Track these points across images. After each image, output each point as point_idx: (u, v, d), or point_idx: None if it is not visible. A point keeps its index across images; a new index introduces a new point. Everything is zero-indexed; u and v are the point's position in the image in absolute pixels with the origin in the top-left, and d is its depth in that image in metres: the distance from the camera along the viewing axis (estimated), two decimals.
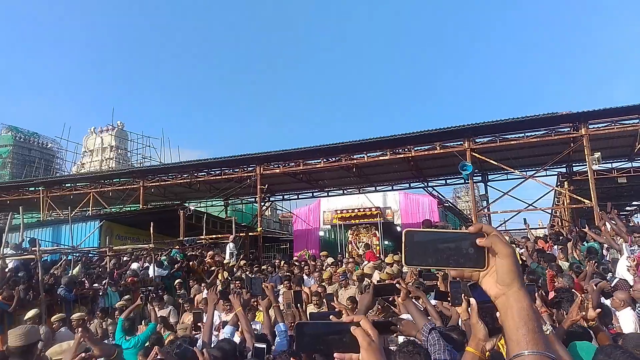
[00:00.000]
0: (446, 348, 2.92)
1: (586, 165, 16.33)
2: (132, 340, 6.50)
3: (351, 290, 9.20)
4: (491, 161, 17.06)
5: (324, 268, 11.64)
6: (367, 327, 1.13)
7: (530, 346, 0.98)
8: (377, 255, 13.79)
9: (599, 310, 3.62)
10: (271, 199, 25.98)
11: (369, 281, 9.42)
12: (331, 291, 8.95)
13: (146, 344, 5.95)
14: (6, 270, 11.32)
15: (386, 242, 17.87)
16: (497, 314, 1.16)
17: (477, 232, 1.08)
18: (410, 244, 1.10)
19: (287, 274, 10.94)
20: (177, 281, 12.15)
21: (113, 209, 23.33)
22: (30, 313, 8.04)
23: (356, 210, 18.12)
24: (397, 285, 3.30)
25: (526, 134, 16.84)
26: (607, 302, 5.31)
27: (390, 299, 4.40)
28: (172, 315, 9.21)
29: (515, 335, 1.01)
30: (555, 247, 10.33)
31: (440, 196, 22.37)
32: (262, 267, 13.43)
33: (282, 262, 14.37)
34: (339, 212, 18.50)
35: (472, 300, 1.47)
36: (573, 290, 5.93)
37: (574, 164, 19.79)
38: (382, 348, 1.14)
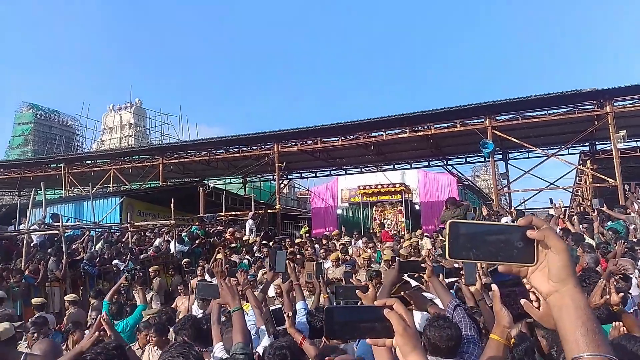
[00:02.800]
0: (472, 325, 2.88)
1: (610, 143, 15.96)
2: (120, 324, 5.89)
3: (361, 276, 8.38)
4: (512, 139, 16.78)
5: (336, 248, 11.15)
6: (401, 311, 1.09)
7: (591, 348, 0.92)
8: (393, 233, 13.58)
9: (621, 294, 3.52)
10: (289, 176, 26.01)
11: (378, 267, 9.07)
12: (339, 275, 8.35)
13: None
14: (31, 245, 11.54)
15: (406, 221, 17.78)
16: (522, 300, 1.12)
17: (528, 224, 1.02)
18: (455, 237, 1.04)
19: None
20: (184, 260, 11.88)
21: (133, 186, 23.56)
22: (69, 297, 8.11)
23: (379, 187, 17.89)
24: (422, 263, 3.26)
25: (549, 112, 16.50)
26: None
27: (415, 276, 4.36)
28: (155, 301, 8.61)
29: (574, 336, 0.94)
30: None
31: (459, 174, 22.19)
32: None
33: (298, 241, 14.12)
34: (361, 187, 18.33)
35: (495, 287, 1.41)
36: (597, 270, 5.84)
37: (597, 143, 19.41)
38: (417, 332, 1.10)
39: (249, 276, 5.45)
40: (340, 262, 9.37)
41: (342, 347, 3.52)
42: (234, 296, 2.93)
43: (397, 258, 9.34)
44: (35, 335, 5.27)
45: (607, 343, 0.94)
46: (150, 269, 10.51)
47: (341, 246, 11.15)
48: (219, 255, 10.80)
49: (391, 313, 1.08)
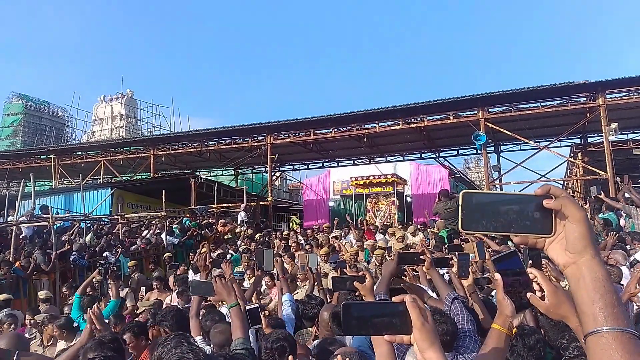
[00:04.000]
0: (469, 318, 2.84)
1: (601, 136, 15.99)
2: None
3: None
4: (505, 131, 16.78)
5: (328, 241, 10.88)
6: (421, 306, 1.07)
7: (610, 322, 0.87)
8: (374, 230, 13.19)
9: None
10: (281, 168, 25.94)
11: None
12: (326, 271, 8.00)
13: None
14: (20, 237, 11.40)
15: (399, 214, 17.77)
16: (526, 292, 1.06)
17: (545, 194, 0.97)
18: (468, 207, 0.99)
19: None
20: (165, 254, 11.38)
21: (124, 177, 23.40)
22: (42, 294, 7.71)
23: (371, 177, 17.80)
24: (421, 255, 3.23)
25: (541, 104, 16.51)
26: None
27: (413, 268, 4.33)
28: (129, 299, 8.11)
29: (591, 309, 0.89)
30: None
31: (451, 167, 22.20)
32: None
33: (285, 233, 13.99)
34: (354, 179, 18.23)
35: (498, 276, 1.37)
36: None
37: (588, 135, 19.48)
38: (435, 328, 1.08)
39: (236, 274, 5.47)
40: (328, 258, 8.86)
41: (338, 339, 3.49)
42: (230, 292, 2.91)
43: (391, 250, 9.34)
44: (13, 326, 5.25)
45: (627, 317, 0.90)
46: (129, 264, 10.25)
47: (333, 239, 10.98)
48: (204, 250, 10.43)
49: (413, 305, 1.05)
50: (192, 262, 9.95)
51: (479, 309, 3.20)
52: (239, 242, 12.24)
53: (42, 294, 7.72)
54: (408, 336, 1.06)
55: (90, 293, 6.80)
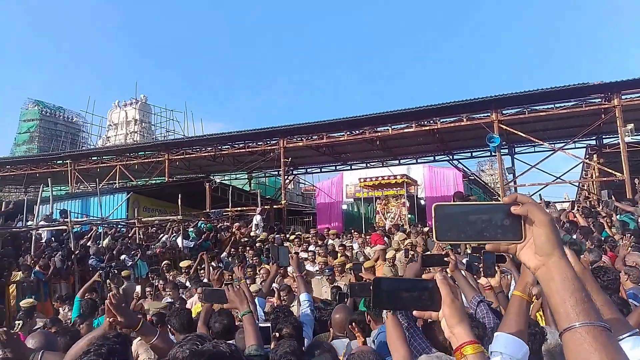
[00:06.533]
0: (496, 322, 2.84)
1: (616, 137, 15.84)
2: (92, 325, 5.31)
3: (340, 284, 7.36)
4: (519, 133, 16.73)
5: (334, 249, 10.52)
6: (449, 284, 1.12)
7: (582, 317, 0.92)
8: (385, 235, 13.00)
9: None
10: (294, 172, 26.03)
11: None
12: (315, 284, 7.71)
13: None
14: (40, 241, 11.59)
15: (409, 216, 17.74)
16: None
17: (512, 202, 1.02)
18: (440, 219, 1.05)
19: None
20: (164, 262, 10.55)
21: (139, 182, 23.61)
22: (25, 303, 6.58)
23: (380, 178, 17.76)
24: (445, 256, 3.23)
25: (555, 105, 16.39)
26: None
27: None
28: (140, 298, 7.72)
29: (563, 308, 0.94)
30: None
31: (465, 169, 22.14)
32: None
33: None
34: (362, 180, 18.24)
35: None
36: (604, 262, 5.82)
37: (603, 136, 19.30)
38: (464, 306, 1.12)
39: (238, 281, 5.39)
40: (324, 267, 8.27)
41: (331, 342, 3.52)
42: (242, 300, 2.90)
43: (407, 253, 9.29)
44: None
45: (597, 310, 0.94)
46: (122, 274, 9.69)
47: (341, 248, 10.56)
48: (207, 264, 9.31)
49: (443, 282, 1.10)
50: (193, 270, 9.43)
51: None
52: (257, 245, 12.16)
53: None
54: (436, 313, 1.10)
55: (90, 297, 6.67)
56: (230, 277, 7.10)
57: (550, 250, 0.98)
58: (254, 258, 10.15)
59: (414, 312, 1.13)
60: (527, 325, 1.77)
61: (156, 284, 8.03)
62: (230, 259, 11.44)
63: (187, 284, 8.25)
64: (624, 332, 1.50)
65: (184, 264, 9.57)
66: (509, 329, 1.69)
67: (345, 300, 4.61)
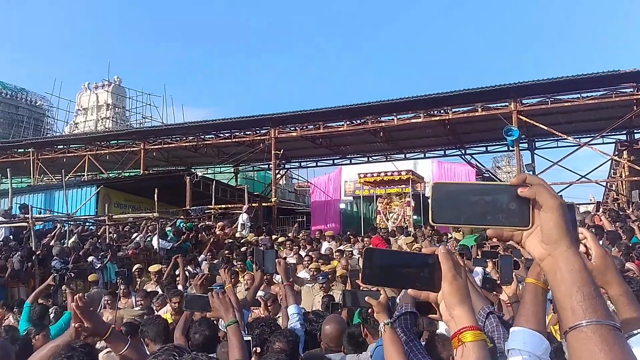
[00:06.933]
0: (507, 336, 2.83)
1: None
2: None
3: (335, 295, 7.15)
4: (540, 125, 16.74)
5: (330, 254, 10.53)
6: (453, 259, 1.09)
7: (589, 314, 0.91)
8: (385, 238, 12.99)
9: None
10: (286, 166, 26.02)
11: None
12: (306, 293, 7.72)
13: None
14: None
15: (415, 217, 17.75)
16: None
17: (520, 182, 1.01)
18: (439, 199, 1.04)
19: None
20: (136, 267, 10.54)
21: (111, 174, 23.56)
22: None
23: (382, 174, 17.70)
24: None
25: (582, 95, 16.45)
26: None
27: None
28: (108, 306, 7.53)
29: (569, 303, 0.93)
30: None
31: (479, 165, 22.17)
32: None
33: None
34: (362, 175, 18.18)
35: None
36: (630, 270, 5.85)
37: (635, 131, 19.34)
38: (467, 286, 1.10)
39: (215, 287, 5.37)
40: (316, 274, 8.25)
41: (330, 356, 3.52)
42: (228, 309, 2.91)
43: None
44: None
45: (606, 308, 0.93)
46: (89, 277, 9.77)
47: (337, 254, 10.34)
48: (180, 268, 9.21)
49: (446, 256, 1.07)
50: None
51: None
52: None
53: None
54: (435, 294, 1.08)
55: (44, 302, 6.63)
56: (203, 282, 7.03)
57: (558, 237, 0.97)
58: (239, 263, 10.17)
59: (409, 291, 1.10)
60: (545, 316, 1.75)
61: (118, 290, 7.94)
62: (214, 262, 11.40)
63: (159, 291, 8.22)
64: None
65: (153, 268, 9.53)
66: (527, 322, 1.67)
67: (339, 310, 4.61)
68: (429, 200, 1.06)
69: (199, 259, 11.60)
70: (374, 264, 1.11)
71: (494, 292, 4.56)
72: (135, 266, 10.42)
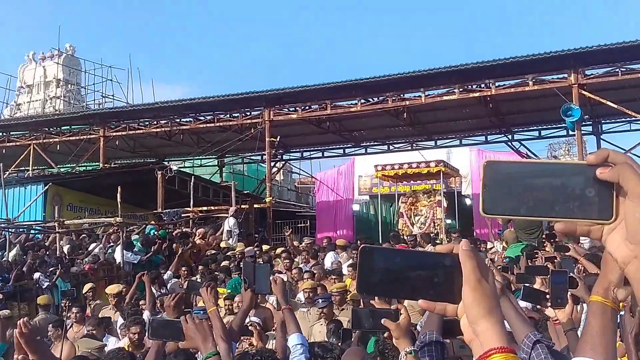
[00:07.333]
0: None
1: None
2: None
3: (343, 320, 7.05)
4: (608, 102, 16.68)
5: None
6: (477, 258, 1.01)
7: None
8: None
9: None
10: (284, 157, 26.04)
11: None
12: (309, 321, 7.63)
13: None
14: None
15: (448, 221, 17.72)
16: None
17: (601, 161, 0.93)
18: (493, 183, 0.98)
19: None
20: (88, 286, 10.48)
21: (62, 169, 23.60)
22: None
23: (406, 166, 17.61)
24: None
25: None
26: None
27: None
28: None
29: None
30: None
31: (530, 154, 22.09)
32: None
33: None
34: (380, 168, 18.01)
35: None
36: None
37: None
38: (495, 291, 1.02)
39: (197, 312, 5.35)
40: (313, 295, 8.40)
41: None
42: (206, 337, 2.90)
43: None
44: None
45: None
46: (39, 300, 9.81)
47: (350, 269, 10.21)
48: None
49: (468, 254, 1.00)
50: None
51: None
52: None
53: None
54: (454, 306, 1.01)
55: None
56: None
57: None
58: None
59: (420, 302, 1.02)
60: (615, 345, 1.71)
61: (69, 315, 7.97)
62: (193, 280, 11.38)
63: (118, 319, 8.22)
64: None
65: (111, 289, 9.53)
66: (593, 351, 1.64)
67: (351, 339, 4.58)
68: (480, 184, 0.99)
69: (165, 276, 11.54)
70: (373, 267, 1.05)
71: (538, 306, 4.52)
72: (87, 286, 10.39)
